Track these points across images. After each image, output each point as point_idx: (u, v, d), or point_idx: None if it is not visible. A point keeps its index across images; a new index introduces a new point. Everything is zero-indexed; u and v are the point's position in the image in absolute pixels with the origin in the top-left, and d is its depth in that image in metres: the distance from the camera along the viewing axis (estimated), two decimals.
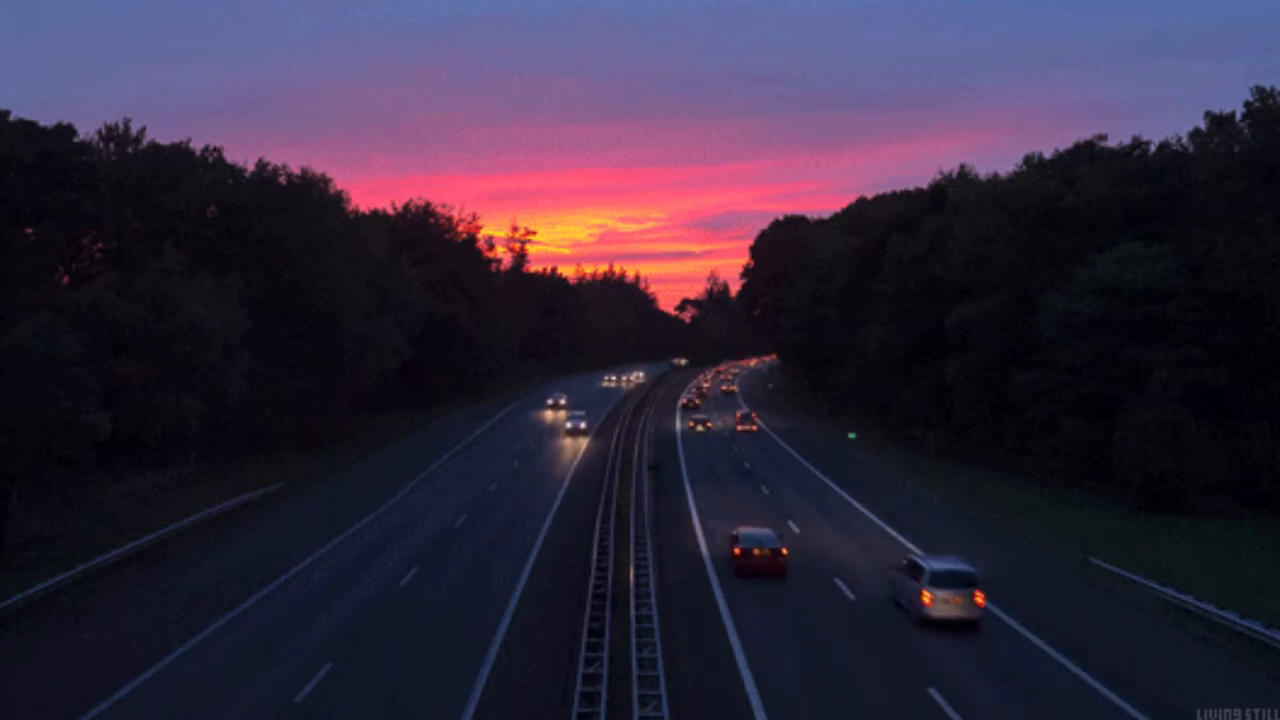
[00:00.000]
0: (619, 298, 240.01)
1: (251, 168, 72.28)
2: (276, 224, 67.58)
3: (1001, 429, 68.34)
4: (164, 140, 68.16)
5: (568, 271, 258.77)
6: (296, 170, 74.66)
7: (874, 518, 46.02)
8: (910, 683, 24.29)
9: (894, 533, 42.60)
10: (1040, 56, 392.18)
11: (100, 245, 64.62)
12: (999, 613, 30.38)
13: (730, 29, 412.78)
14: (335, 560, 37.35)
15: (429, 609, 30.75)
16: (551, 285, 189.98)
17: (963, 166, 79.91)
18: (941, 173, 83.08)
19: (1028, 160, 71.88)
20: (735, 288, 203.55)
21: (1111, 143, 68.29)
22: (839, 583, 33.94)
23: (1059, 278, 60.40)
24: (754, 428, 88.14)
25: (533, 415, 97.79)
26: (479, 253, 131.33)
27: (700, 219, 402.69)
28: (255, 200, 68.54)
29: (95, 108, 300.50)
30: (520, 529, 43.48)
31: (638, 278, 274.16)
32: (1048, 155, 71.07)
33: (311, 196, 74.54)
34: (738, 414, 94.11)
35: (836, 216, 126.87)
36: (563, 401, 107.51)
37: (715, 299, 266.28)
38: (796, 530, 43.07)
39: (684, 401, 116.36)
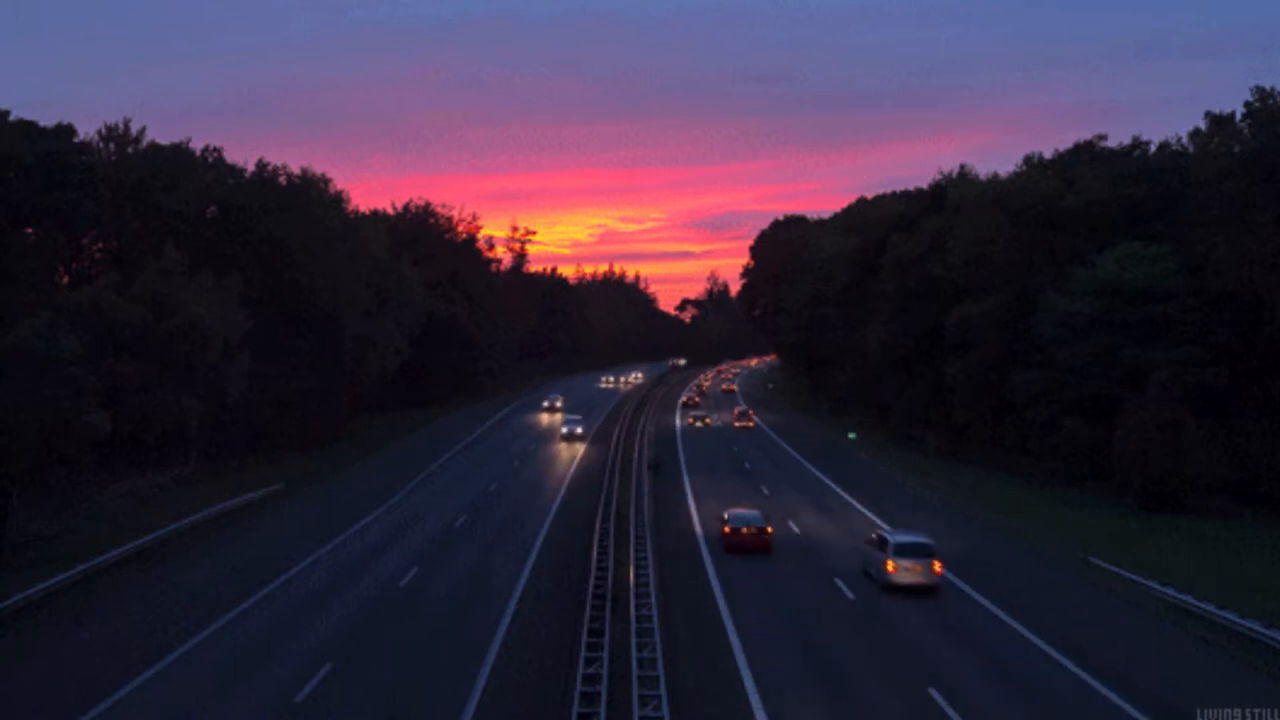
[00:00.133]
0: (619, 298, 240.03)
1: (251, 168, 72.36)
2: (276, 224, 67.58)
3: (1001, 429, 68.34)
4: (164, 140, 68.27)
5: (568, 271, 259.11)
6: (296, 170, 74.79)
7: (874, 518, 45.99)
8: (911, 682, 24.31)
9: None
10: (1040, 56, 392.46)
11: (100, 245, 64.62)
12: (999, 613, 30.41)
13: (730, 29, 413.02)
14: (335, 560, 37.35)
15: (429, 609, 30.76)
16: (551, 285, 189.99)
17: (963, 166, 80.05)
18: (941, 173, 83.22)
19: (1028, 160, 71.95)
20: (735, 288, 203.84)
21: (1111, 143, 68.42)
22: (839, 582, 33.96)
23: (1059, 278, 60.41)
24: (751, 424, 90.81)
25: (530, 417, 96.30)
26: (479, 253, 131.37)
27: (700, 219, 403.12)
28: (255, 200, 68.54)
29: (95, 108, 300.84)
30: (520, 529, 43.49)
31: (638, 278, 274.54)
32: (1048, 155, 71.18)
33: (311, 196, 74.54)
34: (735, 411, 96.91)
35: (836, 216, 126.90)
36: (559, 404, 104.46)
37: (715, 299, 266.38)
38: (797, 530, 43.08)
39: (684, 400, 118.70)
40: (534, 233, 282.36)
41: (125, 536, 38.95)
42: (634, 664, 24.03)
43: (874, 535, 35.46)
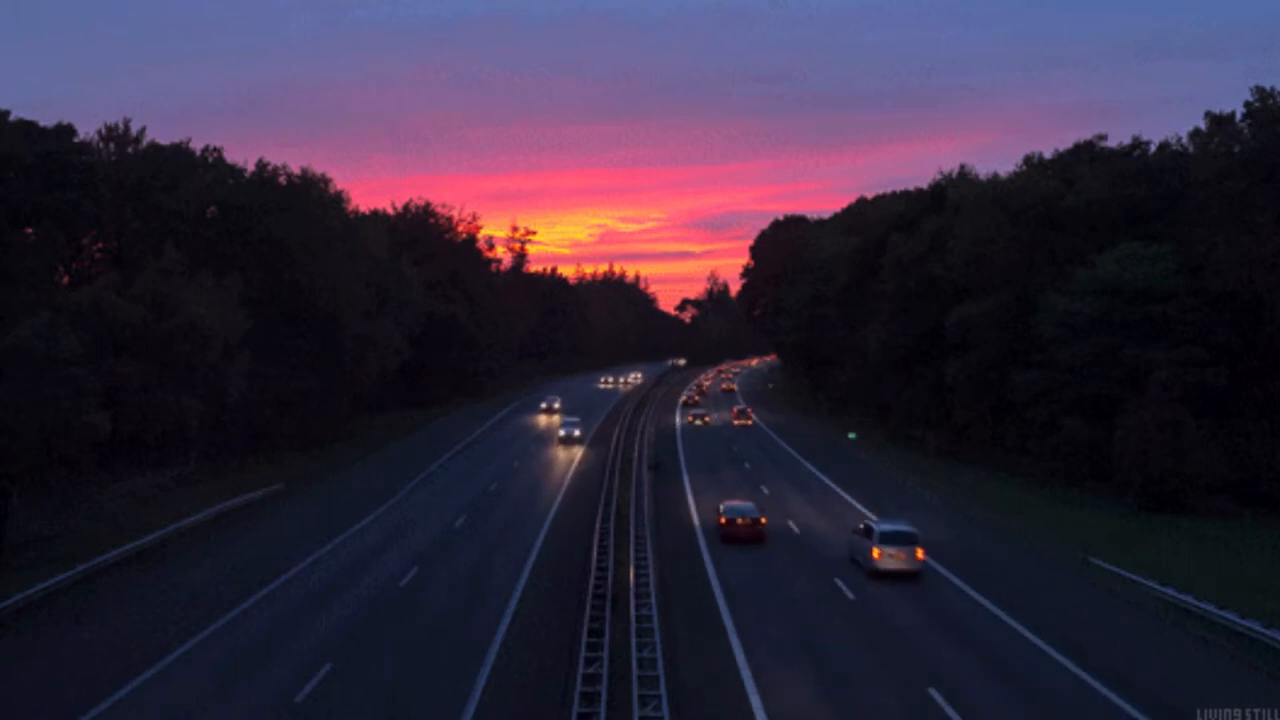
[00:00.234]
0: (619, 298, 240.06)
1: (251, 168, 72.42)
2: (276, 224, 67.60)
3: (1001, 429, 68.34)
4: (164, 140, 68.35)
5: (568, 271, 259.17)
6: (296, 170, 74.86)
7: (873, 517, 45.96)
8: (911, 681, 24.31)
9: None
10: (1040, 56, 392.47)
11: (100, 245, 64.63)
12: (999, 612, 30.41)
13: (730, 29, 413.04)
14: (335, 560, 37.36)
15: (429, 609, 30.76)
16: (551, 285, 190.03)
17: (963, 166, 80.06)
18: (941, 173, 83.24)
19: (1028, 160, 71.95)
20: (735, 288, 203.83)
21: (1111, 143, 68.43)
22: (839, 583, 33.97)
23: (1059, 278, 60.41)
24: (749, 422, 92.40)
25: (529, 418, 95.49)
26: (479, 253, 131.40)
27: (700, 219, 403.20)
28: (255, 200, 68.56)
29: (95, 108, 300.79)
30: (520, 529, 43.48)
31: (638, 278, 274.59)
32: (1048, 155, 71.18)
33: (311, 196, 74.57)
34: (734, 410, 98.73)
35: (836, 216, 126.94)
36: (556, 405, 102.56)
37: (715, 299, 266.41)
38: (797, 531, 43.06)
39: (684, 399, 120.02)
40: (534, 233, 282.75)
41: (125, 536, 38.96)
42: (634, 664, 24.03)
43: (861, 525, 37.52)
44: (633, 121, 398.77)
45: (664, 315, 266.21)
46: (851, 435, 79.93)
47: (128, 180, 63.16)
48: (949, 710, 22.44)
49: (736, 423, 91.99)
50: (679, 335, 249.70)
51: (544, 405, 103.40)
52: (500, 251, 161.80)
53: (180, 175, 65.73)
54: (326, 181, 78.00)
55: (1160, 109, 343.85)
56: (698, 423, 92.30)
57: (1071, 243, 62.32)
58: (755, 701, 22.96)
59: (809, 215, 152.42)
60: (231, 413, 60.73)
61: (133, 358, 51.22)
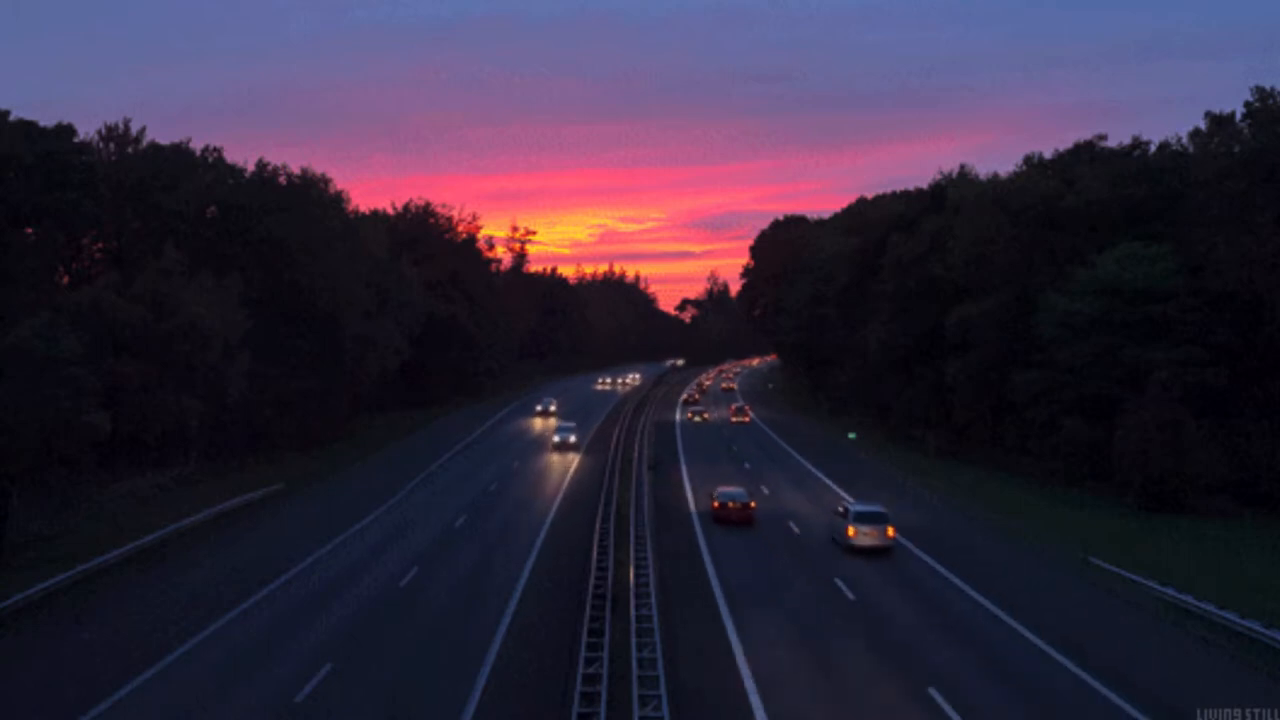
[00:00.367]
0: (619, 298, 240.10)
1: (251, 168, 72.37)
2: (276, 224, 67.58)
3: (1001, 429, 68.34)
4: (164, 140, 68.28)
5: (568, 271, 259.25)
6: (296, 170, 74.79)
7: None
8: (910, 681, 24.31)
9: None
10: (1040, 56, 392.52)
11: (100, 245, 64.61)
12: (999, 612, 30.42)
13: (730, 29, 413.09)
14: (335, 560, 37.35)
15: (429, 609, 30.75)
16: (551, 285, 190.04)
17: (963, 166, 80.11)
18: (941, 173, 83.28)
19: (1028, 160, 71.99)
20: (735, 288, 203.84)
21: (1111, 143, 68.49)
22: (838, 582, 33.96)
23: (1059, 278, 60.42)
24: (747, 419, 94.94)
25: (526, 421, 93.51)
26: (479, 253, 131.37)
27: (700, 219, 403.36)
28: (255, 200, 68.54)
29: (95, 108, 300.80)
30: (520, 529, 43.47)
31: (638, 278, 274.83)
32: (1048, 155, 71.23)
33: (311, 196, 74.54)
34: (732, 407, 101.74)
35: (836, 216, 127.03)
36: (553, 408, 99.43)
37: (715, 299, 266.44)
38: (797, 531, 43.08)
39: (684, 397, 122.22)
40: (534, 233, 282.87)
41: (125, 536, 38.94)
42: (634, 664, 24.02)
43: (840, 508, 41.41)
44: (633, 121, 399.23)
45: (664, 315, 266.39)
46: (851, 435, 79.92)
47: (128, 180, 63.15)
48: (949, 710, 22.43)
49: (734, 420, 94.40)
50: (679, 335, 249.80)
51: (539, 408, 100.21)
52: (500, 251, 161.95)
53: (180, 175, 65.71)
54: (326, 181, 78.07)
55: (1160, 109, 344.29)
56: (696, 419, 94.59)
57: (1071, 243, 62.33)
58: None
59: (809, 215, 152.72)
60: (231, 413, 60.72)
61: (133, 358, 51.21)
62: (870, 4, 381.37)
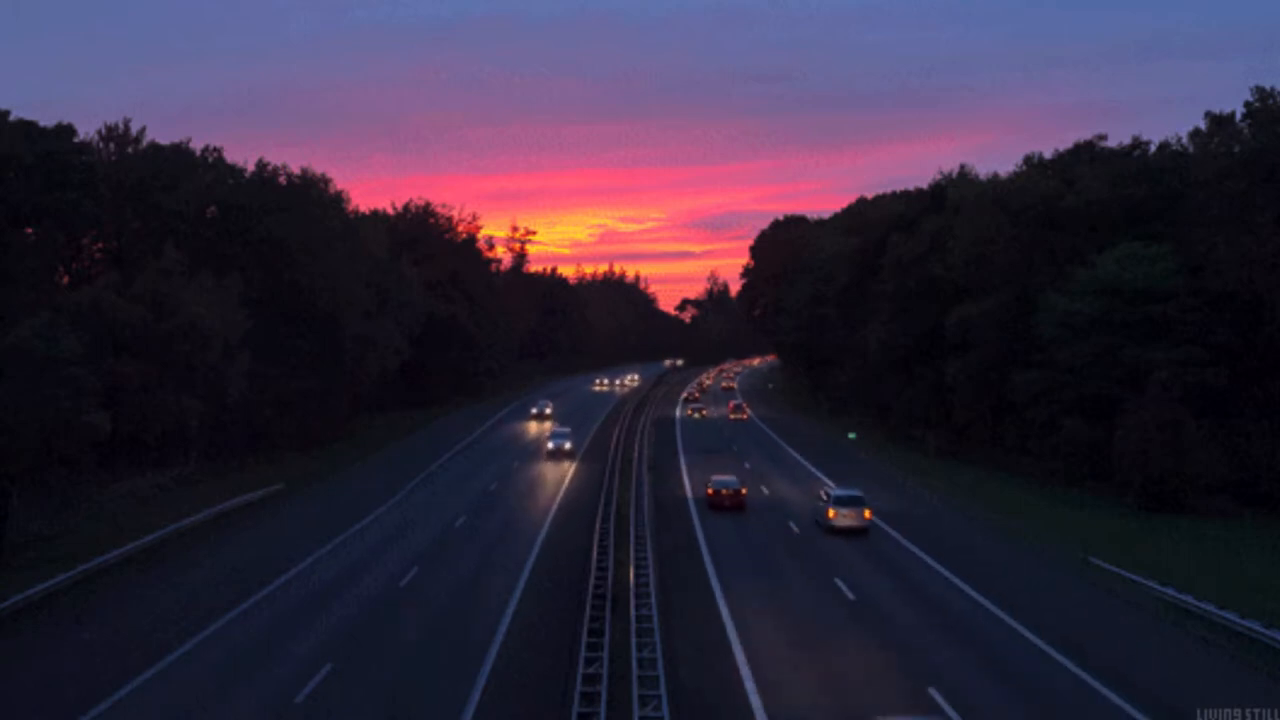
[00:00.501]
0: (619, 298, 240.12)
1: (251, 168, 72.41)
2: (276, 224, 67.59)
3: (1001, 429, 68.35)
4: (164, 140, 68.34)
5: (568, 271, 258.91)
6: (296, 170, 74.85)
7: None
8: (910, 681, 24.33)
9: (890, 530, 42.69)
10: (1040, 56, 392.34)
11: (100, 245, 64.63)
12: (999, 613, 30.41)
13: (730, 29, 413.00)
14: (335, 560, 37.35)
15: (429, 609, 30.75)
16: (551, 285, 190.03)
17: (963, 166, 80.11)
18: (941, 173, 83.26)
19: (1028, 160, 72.01)
20: (735, 288, 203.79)
21: (1111, 143, 68.53)
22: (839, 583, 33.96)
23: (1059, 278, 60.42)
24: (745, 416, 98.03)
25: (523, 424, 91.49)
26: (479, 253, 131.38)
27: (700, 219, 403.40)
28: (255, 200, 68.55)
29: (95, 108, 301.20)
30: (520, 529, 43.48)
31: (638, 278, 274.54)
32: (1048, 155, 71.26)
33: (311, 196, 74.56)
34: (730, 404, 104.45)
35: (836, 216, 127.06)
36: (548, 410, 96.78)
37: (715, 299, 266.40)
38: (797, 530, 43.09)
39: (685, 395, 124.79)
40: (534, 233, 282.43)
41: (125, 536, 38.94)
42: (634, 664, 24.02)
43: (821, 493, 45.13)
44: (633, 121, 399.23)
45: (664, 315, 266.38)
46: (851, 435, 79.92)
47: (128, 180, 63.15)
48: (949, 710, 22.43)
49: (732, 417, 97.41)
50: (679, 335, 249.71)
51: (534, 411, 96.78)
52: (500, 251, 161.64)
53: (180, 175, 65.72)
54: (326, 181, 78.12)
55: (1160, 109, 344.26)
56: (696, 416, 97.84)
57: (1071, 243, 62.33)
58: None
59: (809, 215, 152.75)
60: (231, 413, 60.72)
61: (133, 358, 51.21)
62: (870, 4, 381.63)
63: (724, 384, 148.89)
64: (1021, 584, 34.57)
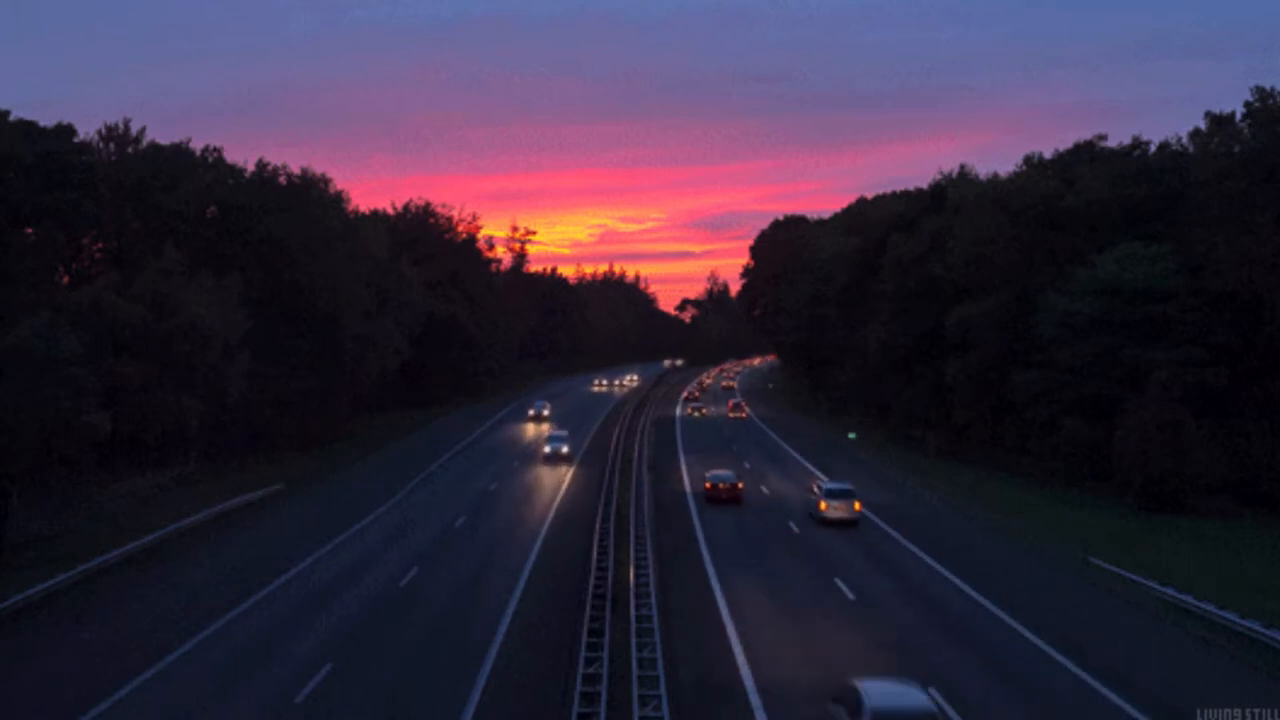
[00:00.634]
0: (619, 298, 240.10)
1: (251, 168, 72.39)
2: (276, 224, 67.59)
3: (1001, 429, 68.35)
4: (164, 140, 68.31)
5: (568, 271, 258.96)
6: (296, 170, 74.82)
7: (876, 519, 46.04)
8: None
9: (890, 529, 42.72)
10: (1040, 56, 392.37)
11: (100, 245, 64.62)
12: (1000, 613, 30.42)
13: (730, 29, 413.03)
14: (335, 560, 37.35)
15: (429, 609, 30.75)
16: (551, 285, 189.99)
17: (963, 166, 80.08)
18: (941, 173, 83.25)
19: (1028, 160, 71.99)
20: (735, 288, 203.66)
21: (1111, 143, 68.47)
22: (840, 583, 33.96)
23: (1059, 278, 60.42)
24: (743, 414, 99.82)
25: (521, 425, 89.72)
26: (479, 253, 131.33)
27: (700, 219, 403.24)
28: (255, 200, 68.55)
29: (95, 108, 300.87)
30: (520, 529, 43.49)
31: (638, 278, 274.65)
32: (1048, 155, 71.23)
33: (311, 196, 74.55)
34: (729, 403, 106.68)
35: (836, 216, 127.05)
36: (545, 412, 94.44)
37: (715, 299, 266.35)
38: (796, 530, 43.10)
39: (685, 394, 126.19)
40: (534, 233, 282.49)
41: (125, 536, 38.95)
42: (634, 664, 24.03)
43: (814, 486, 46.90)
44: (633, 121, 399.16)
45: (664, 315, 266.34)
46: (851, 435, 79.93)
47: (128, 180, 63.15)
48: (949, 711, 22.43)
49: (731, 415, 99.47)
50: (679, 335, 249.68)
51: (531, 413, 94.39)
52: (500, 251, 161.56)
53: (180, 175, 65.72)
54: (326, 181, 78.09)
55: (1160, 109, 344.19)
56: (695, 414, 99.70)
57: (1071, 243, 62.33)
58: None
59: (809, 215, 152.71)
60: (231, 413, 60.72)
61: (133, 358, 51.21)
62: (870, 4, 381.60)
63: (724, 383, 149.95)
64: (1021, 584, 34.58)
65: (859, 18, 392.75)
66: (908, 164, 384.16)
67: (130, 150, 66.30)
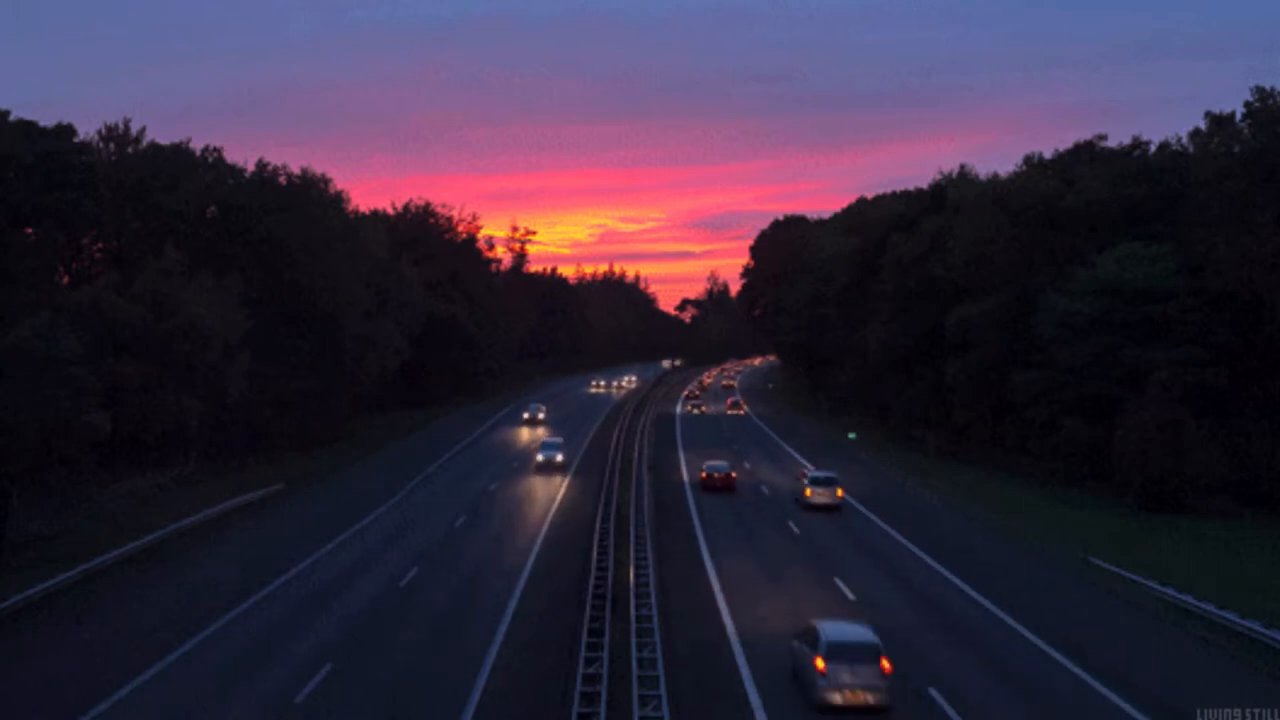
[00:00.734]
0: (619, 298, 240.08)
1: (251, 168, 72.33)
2: (276, 224, 67.57)
3: (1001, 429, 68.36)
4: (164, 140, 68.22)
5: (568, 271, 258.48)
6: (296, 170, 74.74)
7: (876, 519, 46.08)
8: (912, 685, 24.35)
9: (890, 529, 42.73)
10: (1040, 56, 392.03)
11: (100, 245, 64.61)
12: (1000, 613, 30.43)
13: (730, 29, 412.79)
14: (335, 560, 37.35)
15: (429, 609, 30.75)
16: (551, 285, 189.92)
17: (963, 166, 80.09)
18: (941, 173, 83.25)
19: (1028, 160, 72.00)
20: (735, 288, 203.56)
21: (1111, 143, 68.49)
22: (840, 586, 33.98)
23: (1059, 278, 60.43)
24: (741, 411, 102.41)
25: (517, 428, 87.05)
26: (479, 253, 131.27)
27: (700, 219, 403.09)
28: (255, 200, 68.53)
29: (95, 108, 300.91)
30: (520, 529, 43.49)
31: (638, 278, 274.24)
32: (1048, 155, 71.25)
33: (311, 196, 74.52)
34: (728, 400, 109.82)
35: (836, 216, 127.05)
36: (541, 415, 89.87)
37: (715, 299, 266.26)
38: (797, 531, 43.12)
39: (685, 393, 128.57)
40: (534, 233, 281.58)
41: (125, 536, 38.94)
42: (634, 664, 24.04)
43: (800, 474, 52.03)
44: (633, 121, 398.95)
45: (664, 315, 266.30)
46: (851, 435, 79.93)
47: (128, 180, 63.14)
48: (948, 710, 22.45)
49: (730, 412, 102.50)
50: (679, 335, 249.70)
51: (526, 416, 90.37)
52: (500, 251, 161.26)
53: (180, 175, 65.70)
54: (326, 181, 78.05)
55: (1160, 109, 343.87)
56: (695, 411, 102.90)
57: (1071, 243, 62.34)
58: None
59: (809, 215, 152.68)
60: (231, 413, 60.71)
61: (133, 358, 51.20)
62: (870, 4, 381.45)
63: (724, 383, 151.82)
64: (1021, 583, 34.60)
65: (859, 18, 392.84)
66: (908, 164, 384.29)
67: (130, 150, 66.29)
